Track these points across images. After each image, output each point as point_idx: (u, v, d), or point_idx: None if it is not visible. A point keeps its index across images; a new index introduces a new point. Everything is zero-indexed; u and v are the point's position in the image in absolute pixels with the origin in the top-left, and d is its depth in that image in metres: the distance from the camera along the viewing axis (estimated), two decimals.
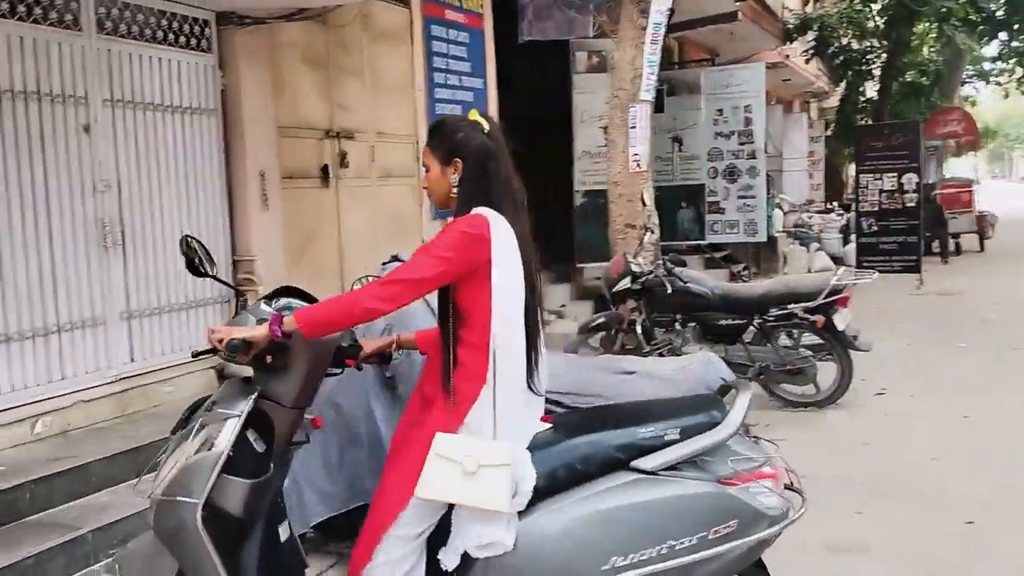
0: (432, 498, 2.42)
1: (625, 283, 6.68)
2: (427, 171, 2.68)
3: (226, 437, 2.50)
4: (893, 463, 5.23)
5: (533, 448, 2.52)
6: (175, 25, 5.64)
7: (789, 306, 6.31)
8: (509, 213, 2.58)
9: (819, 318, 6.24)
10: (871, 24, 18.06)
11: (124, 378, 5.22)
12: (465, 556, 2.48)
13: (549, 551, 2.45)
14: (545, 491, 2.47)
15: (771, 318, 6.41)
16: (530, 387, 2.58)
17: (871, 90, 20.76)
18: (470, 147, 2.60)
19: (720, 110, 12.39)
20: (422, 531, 2.52)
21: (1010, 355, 7.96)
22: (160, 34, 5.54)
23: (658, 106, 10.01)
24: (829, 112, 25.26)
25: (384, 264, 4.22)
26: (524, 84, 10.35)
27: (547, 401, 3.32)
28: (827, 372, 6.46)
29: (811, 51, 18.36)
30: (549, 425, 2.68)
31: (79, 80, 5.01)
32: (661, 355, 6.19)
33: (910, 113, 18.81)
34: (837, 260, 15.36)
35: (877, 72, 18.60)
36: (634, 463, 2.51)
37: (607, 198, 10.74)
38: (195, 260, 2.79)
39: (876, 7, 17.44)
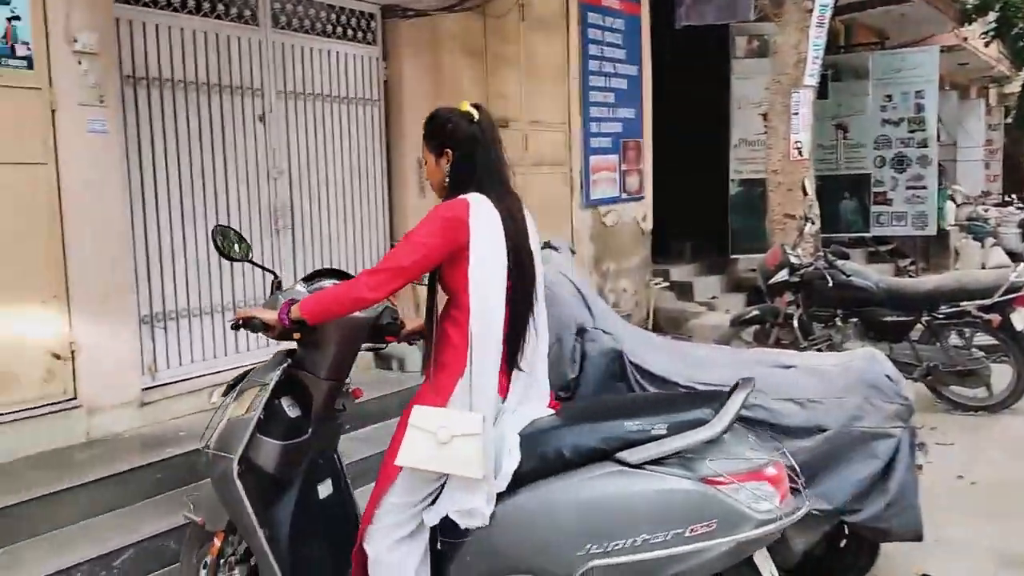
0: (409, 465, 2.57)
1: (782, 275, 6.46)
2: (425, 164, 2.82)
3: (258, 403, 2.86)
4: None
5: (525, 433, 2.62)
6: (343, 18, 5.88)
7: (962, 303, 5.94)
8: (495, 196, 2.66)
9: (994, 317, 5.84)
10: None
11: None
12: (454, 534, 2.62)
13: (527, 533, 2.55)
14: (530, 475, 2.57)
15: (941, 315, 6.06)
16: (519, 367, 2.69)
17: None
18: (458, 136, 2.70)
19: (889, 96, 11.77)
20: (416, 500, 2.66)
21: None
22: (329, 27, 5.79)
23: (821, 92, 9.62)
24: (1010, 98, 23.57)
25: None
26: (680, 71, 10.19)
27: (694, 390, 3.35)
28: (1001, 375, 6.06)
29: (992, 33, 17.17)
30: (553, 412, 2.78)
31: (255, 72, 5.31)
32: (819, 351, 5.96)
33: None
34: (1015, 256, 14.32)
35: None
36: (618, 455, 2.54)
37: (764, 187, 10.56)
38: (227, 248, 3.09)
39: None
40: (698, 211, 10.92)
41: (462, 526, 2.57)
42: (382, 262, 2.64)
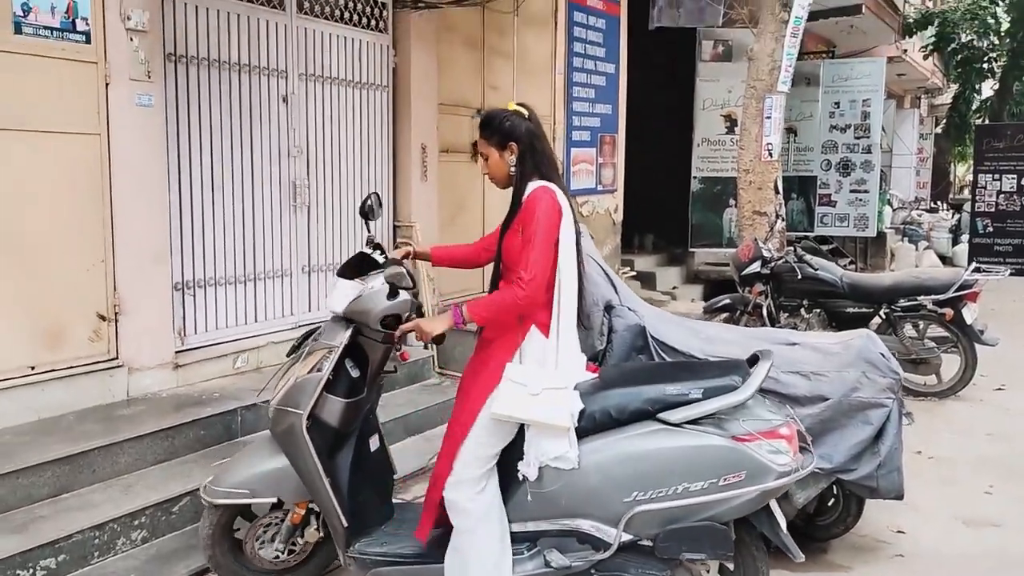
0: (504, 413, 2.85)
1: (755, 267, 6.96)
2: (486, 159, 3.12)
3: (328, 364, 3.16)
4: (1017, 453, 5.44)
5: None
6: (359, 6, 6.15)
7: (919, 298, 6.52)
8: (556, 181, 3.04)
9: (948, 311, 6.44)
10: (995, 22, 17.67)
11: (303, 325, 5.77)
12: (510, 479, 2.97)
13: (581, 482, 2.89)
14: (583, 431, 2.92)
15: (898, 308, 6.63)
16: (583, 324, 3.10)
17: (987, 89, 20.29)
18: (520, 131, 3.03)
19: (837, 103, 12.44)
20: (493, 452, 2.97)
21: None
22: (347, 15, 6.06)
23: None
24: (940, 109, 24.72)
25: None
26: (651, 71, 10.67)
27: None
28: (950, 364, 6.66)
29: (930, 47, 18.06)
30: (595, 375, 3.11)
31: (281, 54, 5.56)
32: None
33: None
34: (945, 260, 15.26)
35: (997, 71, 18.16)
36: (660, 415, 2.92)
37: (724, 185, 11.12)
38: (371, 212, 3.43)
39: (1003, 6, 17.04)
40: (661, 206, 11.45)
41: (554, 468, 2.91)
42: (531, 261, 2.86)
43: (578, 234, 3.06)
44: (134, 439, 4.12)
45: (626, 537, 2.88)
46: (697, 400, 2.92)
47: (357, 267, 3.30)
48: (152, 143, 4.66)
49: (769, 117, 7.71)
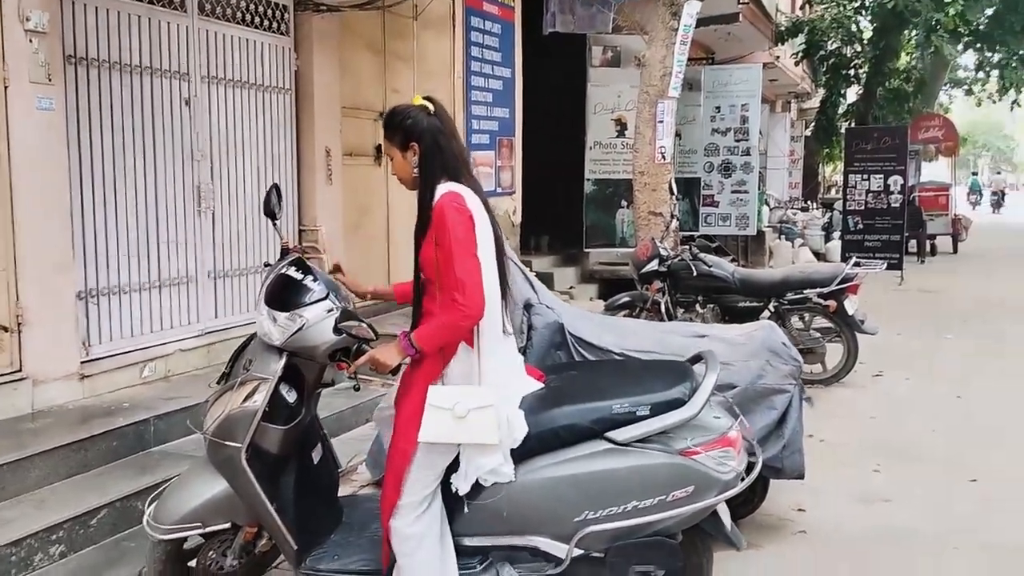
0: (432, 441, 2.76)
1: (653, 265, 7.24)
2: (391, 160, 2.93)
3: (261, 396, 3.00)
4: (899, 433, 5.87)
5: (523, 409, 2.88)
6: (260, 8, 6.10)
7: (805, 291, 6.93)
8: (467, 180, 2.85)
9: (831, 303, 6.86)
10: (859, 31, 18.78)
11: (209, 332, 5.70)
12: (471, 496, 2.88)
13: (530, 502, 2.88)
14: (530, 451, 2.86)
15: (786, 302, 7.03)
16: (505, 331, 2.90)
17: (852, 94, 21.52)
18: (420, 129, 2.81)
19: (718, 107, 12.94)
20: (437, 473, 2.86)
21: (991, 346, 8.69)
22: (248, 16, 6.00)
23: None
24: (809, 113, 25.97)
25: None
26: (544, 77, 10.87)
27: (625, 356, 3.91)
28: (834, 353, 7.10)
29: (800, 54, 19.02)
30: (542, 385, 3.03)
31: (183, 57, 5.46)
32: None
33: (892, 118, 19.56)
34: (819, 256, 16.12)
35: (862, 77, 19.31)
36: (608, 434, 2.88)
37: (616, 187, 11.45)
38: (274, 208, 3.20)
39: (866, 15, 18.14)
40: (555, 207, 11.68)
41: (490, 483, 2.85)
42: (459, 279, 2.68)
43: (498, 236, 2.91)
44: (43, 453, 4.00)
45: (577, 552, 2.90)
46: (645, 417, 2.90)
47: (283, 290, 3.09)
48: (53, 148, 4.52)
49: (662, 121, 8.02)
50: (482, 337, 2.79)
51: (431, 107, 2.86)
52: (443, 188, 2.79)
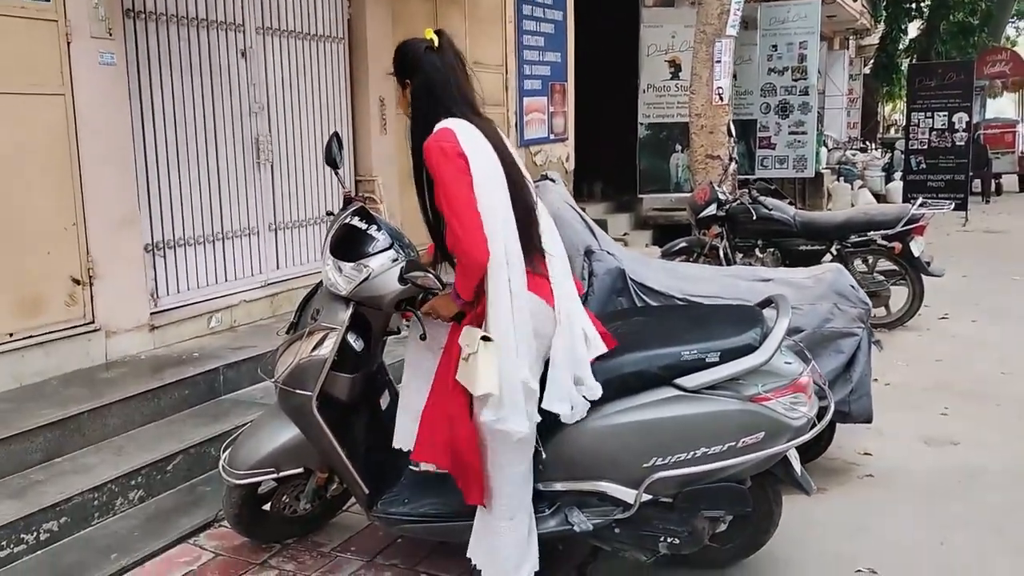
0: (458, 379, 2.68)
1: (711, 210, 7.13)
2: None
3: (330, 345, 3.02)
4: (966, 376, 5.75)
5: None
6: None
7: (869, 233, 6.77)
8: (469, 117, 2.69)
9: (896, 245, 6.70)
10: None
11: (271, 283, 5.78)
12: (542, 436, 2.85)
13: (599, 448, 2.86)
14: (600, 399, 2.83)
15: (849, 244, 6.88)
16: (540, 273, 2.76)
17: (914, 29, 20.80)
18: (417, 65, 2.72)
19: (775, 46, 12.57)
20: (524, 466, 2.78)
21: None
22: None
23: None
24: (868, 50, 25.20)
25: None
26: (596, 20, 10.69)
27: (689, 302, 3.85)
28: (898, 296, 6.95)
29: None
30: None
31: (237, 7, 5.46)
32: None
33: (956, 53, 18.86)
34: (879, 197, 15.74)
35: (925, 10, 18.62)
36: (677, 381, 2.84)
37: (670, 131, 11.26)
38: (336, 157, 3.18)
39: None
40: (609, 153, 11.55)
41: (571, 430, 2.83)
42: (453, 221, 2.60)
43: (512, 173, 2.74)
44: (120, 401, 4.11)
45: (646, 497, 2.87)
46: (714, 364, 2.85)
47: (347, 240, 3.09)
48: (116, 102, 4.57)
49: (719, 61, 7.84)
50: (493, 279, 2.64)
51: (436, 40, 2.74)
52: (440, 125, 2.67)
